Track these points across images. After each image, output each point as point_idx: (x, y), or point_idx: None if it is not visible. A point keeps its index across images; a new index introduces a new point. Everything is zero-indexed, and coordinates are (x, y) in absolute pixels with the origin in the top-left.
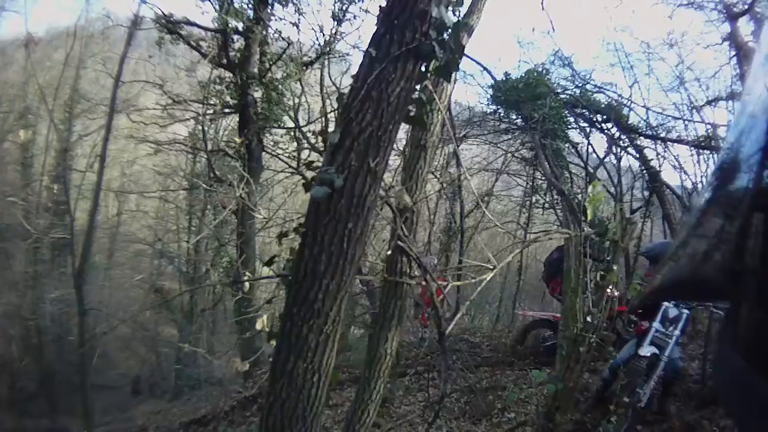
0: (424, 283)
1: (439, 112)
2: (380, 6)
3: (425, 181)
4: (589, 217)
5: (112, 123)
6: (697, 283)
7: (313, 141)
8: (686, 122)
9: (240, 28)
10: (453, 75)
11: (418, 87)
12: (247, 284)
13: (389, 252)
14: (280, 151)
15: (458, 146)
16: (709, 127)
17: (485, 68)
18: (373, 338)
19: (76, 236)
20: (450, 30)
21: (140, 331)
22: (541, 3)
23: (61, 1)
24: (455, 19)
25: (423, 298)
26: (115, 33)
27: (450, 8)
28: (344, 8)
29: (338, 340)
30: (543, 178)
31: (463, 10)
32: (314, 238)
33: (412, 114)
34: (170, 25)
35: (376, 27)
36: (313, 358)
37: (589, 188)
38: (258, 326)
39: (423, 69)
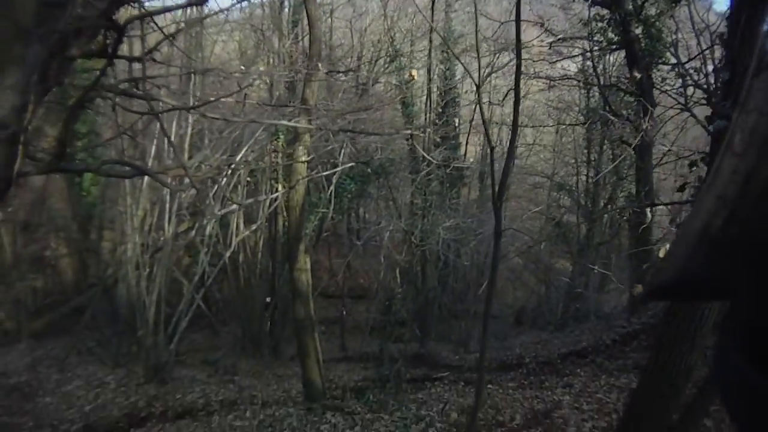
0: None
1: None
2: None
3: None
4: None
5: (521, 60)
6: (696, 283)
7: (695, 78)
8: None
9: None
10: None
11: None
12: (648, 215)
13: None
14: (667, 88)
15: None
16: None
17: None
18: None
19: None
20: None
21: (533, 263)
22: None
23: None
24: None
25: None
26: None
27: None
28: None
29: None
30: None
31: None
32: None
33: None
34: None
35: None
36: None
37: None
38: (661, 254)
39: None
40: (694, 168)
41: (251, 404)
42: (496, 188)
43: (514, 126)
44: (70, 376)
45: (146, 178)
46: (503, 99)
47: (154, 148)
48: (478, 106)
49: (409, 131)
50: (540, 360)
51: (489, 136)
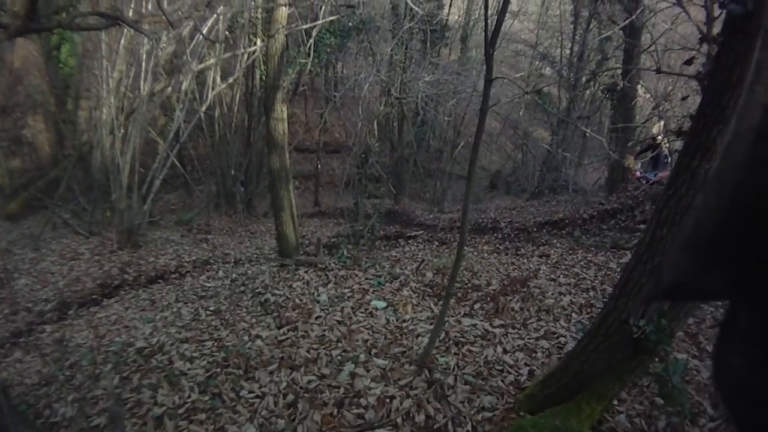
0: None
1: None
2: None
3: None
4: None
5: None
6: (695, 283)
7: None
8: None
9: None
10: None
11: None
12: (640, 90)
13: None
14: None
15: None
16: None
17: None
18: None
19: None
20: None
21: (510, 128)
22: None
23: None
24: None
25: None
26: None
27: None
28: None
29: None
30: None
31: None
32: (729, 50)
33: None
34: None
35: None
36: None
37: None
38: (654, 131)
39: None
40: (703, 45)
41: (224, 263)
42: (489, 34)
43: None
44: (45, 252)
45: (123, 40)
46: None
47: (131, 7)
48: None
49: None
50: (515, 226)
51: None
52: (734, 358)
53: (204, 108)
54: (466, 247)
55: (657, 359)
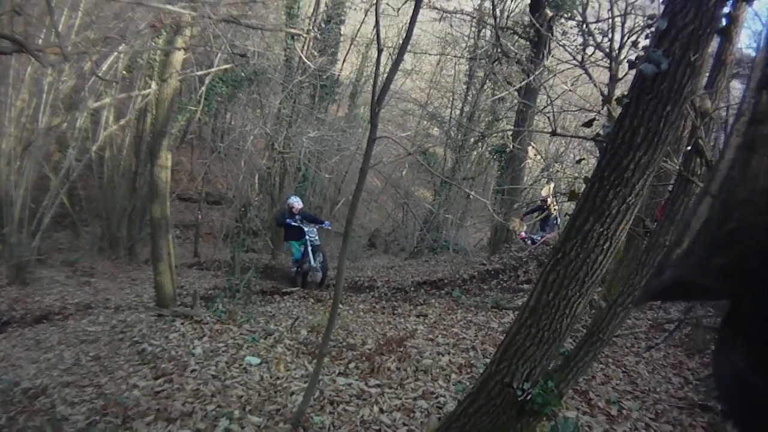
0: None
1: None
2: None
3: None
4: None
5: None
6: (697, 283)
7: (598, 40)
8: None
9: None
10: None
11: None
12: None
13: (687, 148)
14: (566, 43)
15: None
16: None
17: None
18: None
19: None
20: None
21: (392, 187)
22: None
23: None
24: None
25: None
26: None
27: None
28: None
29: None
30: None
31: None
32: (636, 111)
33: (722, 26)
34: None
35: None
36: (610, 225)
37: None
38: (544, 192)
39: None
40: (610, 104)
41: (105, 308)
42: (377, 93)
43: (413, 19)
44: None
45: (30, 68)
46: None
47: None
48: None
49: (293, 30)
50: (392, 285)
51: (379, 34)
52: (734, 358)
53: (95, 148)
54: (341, 306)
55: (545, 418)
